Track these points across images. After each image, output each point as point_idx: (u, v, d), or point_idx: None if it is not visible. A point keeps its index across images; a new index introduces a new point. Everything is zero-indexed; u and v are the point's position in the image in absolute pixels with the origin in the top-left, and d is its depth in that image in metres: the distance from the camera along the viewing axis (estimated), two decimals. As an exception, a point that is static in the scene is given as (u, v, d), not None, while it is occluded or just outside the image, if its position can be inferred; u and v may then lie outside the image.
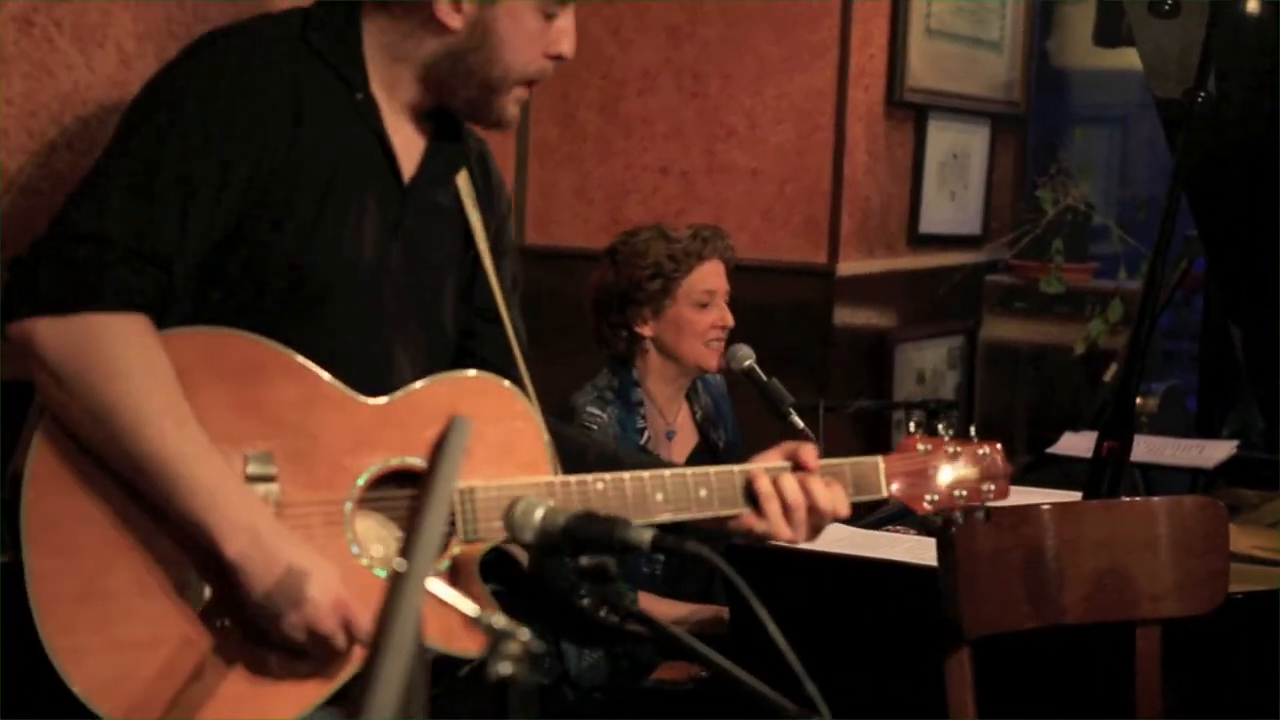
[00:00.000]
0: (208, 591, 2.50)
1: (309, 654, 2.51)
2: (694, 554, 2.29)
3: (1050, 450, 4.27)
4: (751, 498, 2.69)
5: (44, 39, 3.00)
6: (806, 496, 2.68)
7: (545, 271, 5.03)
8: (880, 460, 2.81)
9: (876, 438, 3.05)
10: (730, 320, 4.14)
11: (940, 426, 2.93)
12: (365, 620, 2.43)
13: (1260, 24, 3.83)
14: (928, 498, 2.84)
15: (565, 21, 2.70)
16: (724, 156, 5.32)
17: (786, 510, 2.68)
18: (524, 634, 2.02)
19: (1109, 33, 5.89)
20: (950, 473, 2.86)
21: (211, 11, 3.10)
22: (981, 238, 6.10)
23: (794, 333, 4.98)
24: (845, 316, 5.31)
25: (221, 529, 2.42)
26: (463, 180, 2.79)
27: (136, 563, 2.50)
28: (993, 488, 2.87)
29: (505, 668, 2.05)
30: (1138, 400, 4.12)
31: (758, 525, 2.69)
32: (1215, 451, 4.33)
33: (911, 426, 2.95)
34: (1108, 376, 4.58)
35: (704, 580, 4.10)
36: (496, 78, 2.68)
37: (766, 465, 2.73)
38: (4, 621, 2.50)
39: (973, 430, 2.92)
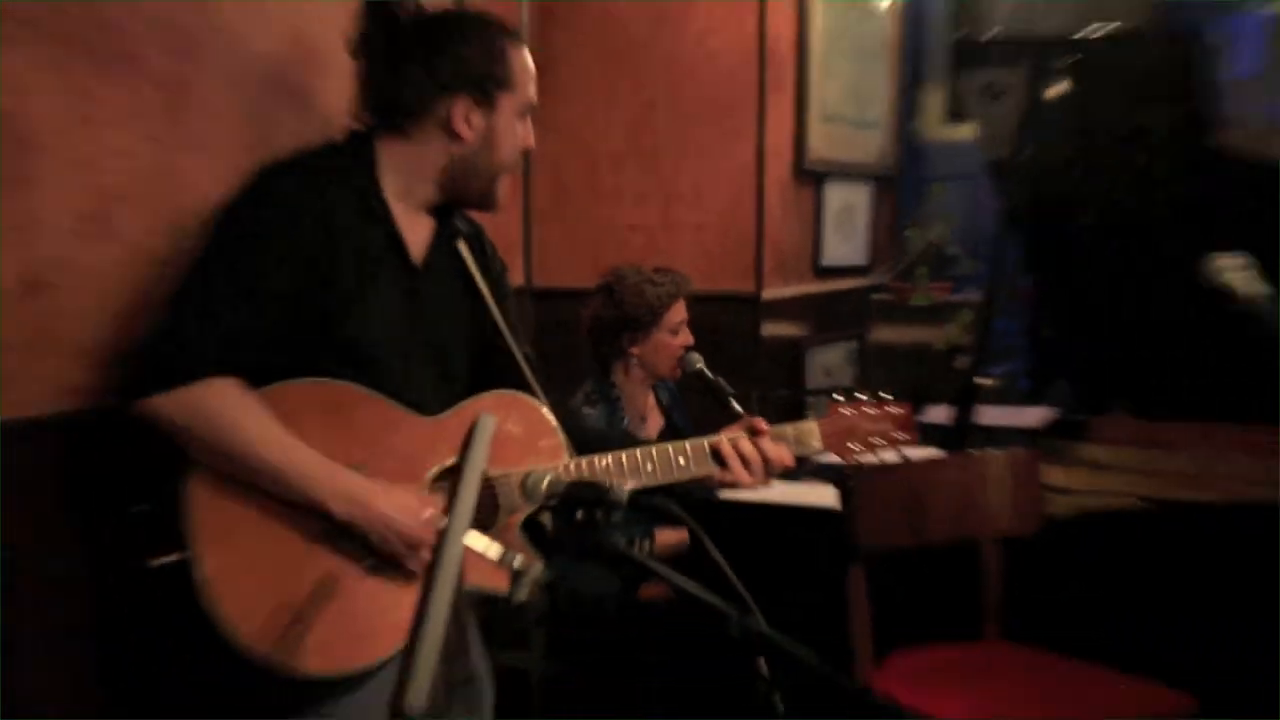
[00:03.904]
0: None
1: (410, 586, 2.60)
2: (661, 507, 2.38)
3: (920, 419, 4.36)
4: (718, 458, 2.79)
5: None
6: (759, 452, 2.80)
7: (546, 306, 5.10)
8: (815, 424, 2.92)
9: (794, 416, 3.11)
10: (690, 340, 4.23)
11: (860, 396, 3.00)
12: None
13: (1062, 103, 3.93)
14: (854, 448, 2.93)
15: (528, 126, 2.78)
16: (676, 216, 5.38)
17: (745, 464, 2.79)
18: (536, 570, 2.13)
19: (956, 113, 5.95)
20: (870, 425, 2.95)
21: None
22: (868, 267, 6.14)
23: (732, 342, 5.03)
24: (769, 329, 5.37)
25: (327, 502, 2.52)
26: (464, 248, 2.84)
27: (286, 538, 2.59)
28: (905, 436, 2.98)
29: (523, 594, 2.16)
30: (982, 381, 4.21)
31: (725, 478, 2.80)
32: (1039, 415, 4.42)
33: (836, 402, 2.97)
34: (959, 365, 4.63)
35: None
36: (496, 171, 2.76)
37: (730, 435, 2.82)
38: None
39: (882, 392, 3.01)
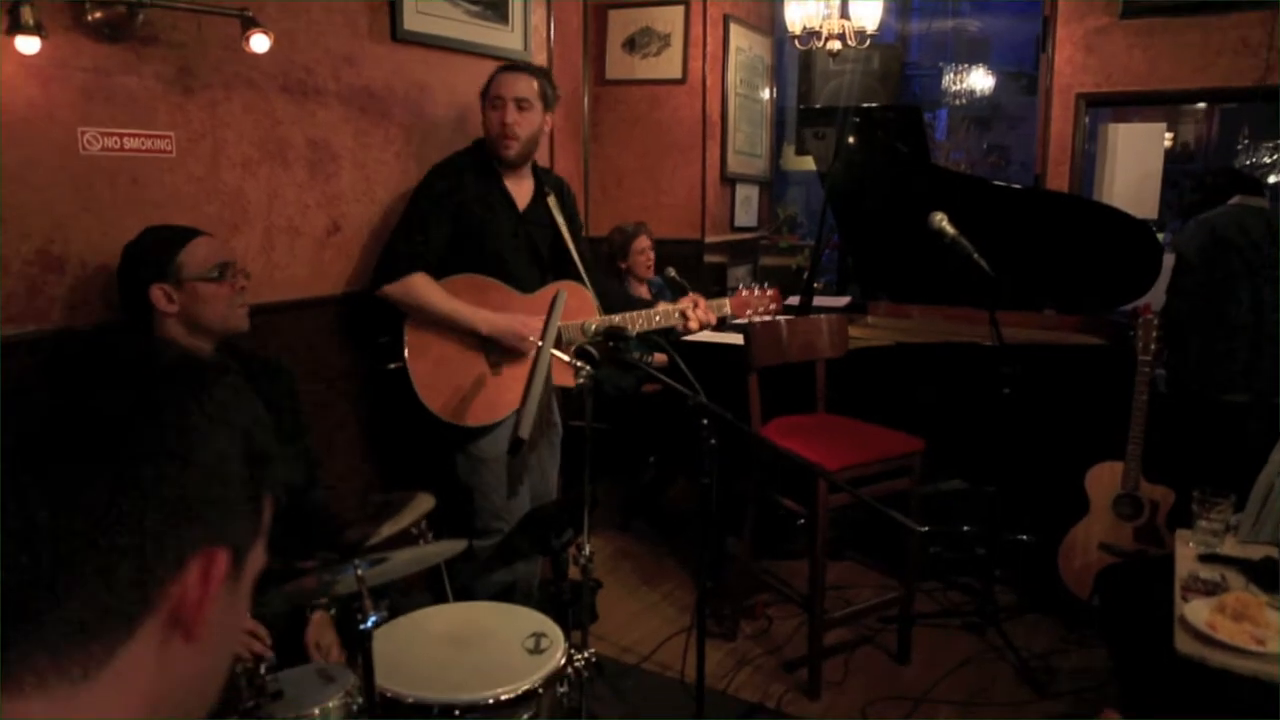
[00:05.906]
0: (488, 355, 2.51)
1: (519, 377, 2.47)
2: (653, 339, 2.30)
3: (786, 302, 4.23)
4: (681, 316, 2.67)
5: (403, 169, 2.92)
6: (699, 314, 2.67)
7: (595, 244, 4.93)
8: (728, 300, 2.79)
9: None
10: (653, 259, 4.08)
11: (752, 285, 2.89)
12: (534, 331, 2.46)
13: (855, 141, 3.75)
14: (749, 312, 2.81)
15: (501, 110, 2.57)
16: (662, 202, 5.16)
17: (691, 320, 2.68)
18: (588, 370, 2.01)
19: (800, 149, 5.72)
20: (757, 301, 2.82)
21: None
22: (758, 227, 5.95)
23: (689, 264, 4.86)
24: (708, 257, 5.20)
25: (477, 325, 2.46)
26: (552, 200, 2.68)
27: (454, 355, 2.48)
28: (775, 305, 2.86)
29: (582, 379, 2.04)
30: (815, 284, 4.07)
31: (684, 326, 2.68)
32: (843, 301, 4.25)
33: (740, 288, 2.86)
34: (805, 275, 4.52)
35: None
36: (494, 137, 2.59)
37: (684, 306, 2.69)
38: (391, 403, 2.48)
39: (765, 284, 2.89)
